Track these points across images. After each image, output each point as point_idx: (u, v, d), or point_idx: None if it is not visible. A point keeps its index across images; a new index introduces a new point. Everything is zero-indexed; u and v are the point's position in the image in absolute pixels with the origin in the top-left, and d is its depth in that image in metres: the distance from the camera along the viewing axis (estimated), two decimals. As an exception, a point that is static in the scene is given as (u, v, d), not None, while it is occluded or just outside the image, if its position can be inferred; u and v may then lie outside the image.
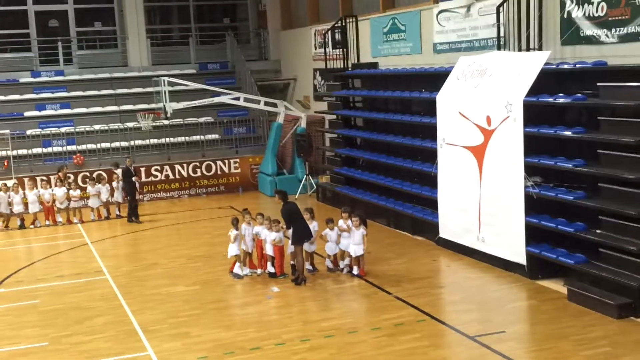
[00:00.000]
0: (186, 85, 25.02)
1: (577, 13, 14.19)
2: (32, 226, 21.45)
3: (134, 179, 21.54)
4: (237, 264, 15.28)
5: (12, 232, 21.12)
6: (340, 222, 15.02)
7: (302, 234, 14.50)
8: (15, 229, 21.31)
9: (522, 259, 14.02)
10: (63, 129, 25.61)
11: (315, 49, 26.64)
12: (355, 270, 14.79)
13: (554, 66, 13.98)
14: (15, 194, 21.46)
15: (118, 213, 22.33)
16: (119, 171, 22.27)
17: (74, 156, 24.69)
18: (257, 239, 15.09)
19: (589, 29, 13.87)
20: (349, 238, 14.76)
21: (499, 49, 15.85)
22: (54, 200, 21.67)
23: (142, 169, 24.18)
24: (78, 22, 29.48)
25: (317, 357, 10.86)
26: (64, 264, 17.27)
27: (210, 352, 11.27)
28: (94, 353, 11.51)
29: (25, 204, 21.53)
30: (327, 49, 23.86)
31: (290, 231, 14.61)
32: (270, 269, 14.99)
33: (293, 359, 10.84)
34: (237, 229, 15.14)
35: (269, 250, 14.90)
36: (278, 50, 30.71)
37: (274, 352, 11.12)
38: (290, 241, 14.65)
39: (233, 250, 15.22)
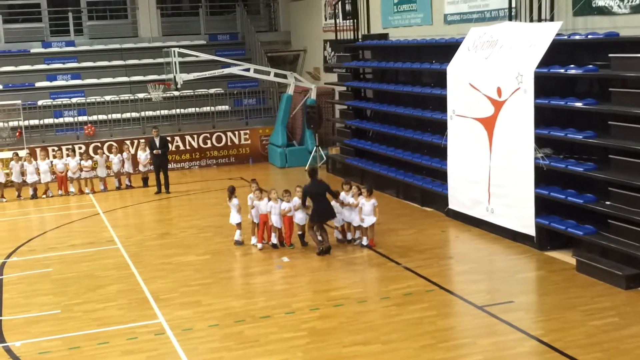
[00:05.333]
0: (196, 56, 25.03)
1: (589, -17, 14.09)
2: (44, 196, 21.62)
3: (155, 152, 21.30)
4: (238, 231, 15.47)
5: (24, 202, 21.30)
6: (342, 195, 15.07)
7: (322, 214, 14.53)
8: (28, 198, 21.49)
9: (531, 230, 14.07)
10: (74, 100, 25.73)
11: (326, 20, 26.53)
12: (364, 241, 14.87)
13: (566, 37, 13.92)
14: (28, 163, 21.59)
15: (128, 183, 22.45)
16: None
17: (85, 127, 24.79)
18: (261, 213, 15.08)
19: (601, 0, 13.77)
20: (352, 210, 14.86)
21: (510, 19, 15.76)
22: (67, 170, 21.82)
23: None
24: (88, -7, 29.52)
25: (327, 326, 10.97)
26: (76, 233, 17.43)
27: (221, 320, 11.40)
28: (106, 320, 11.65)
29: (39, 174, 21.67)
30: (338, 20, 23.77)
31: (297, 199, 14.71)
32: (274, 240, 15.09)
33: (303, 328, 10.94)
34: (231, 199, 15.37)
35: (275, 221, 14.97)
36: (288, 22, 30.61)
37: (283, 321, 11.23)
38: (309, 218, 14.72)
39: (235, 218, 15.40)
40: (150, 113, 25.82)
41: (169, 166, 22.54)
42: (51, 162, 22.05)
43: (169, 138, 23.47)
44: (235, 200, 15.39)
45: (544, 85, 13.83)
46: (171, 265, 14.42)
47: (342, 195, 15.07)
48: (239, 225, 15.49)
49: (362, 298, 12.07)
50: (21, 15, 28.98)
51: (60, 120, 25.25)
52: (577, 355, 9.56)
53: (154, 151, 21.28)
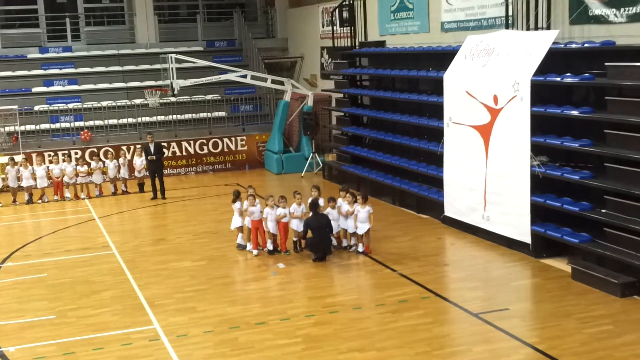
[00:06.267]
0: (193, 62, 25.03)
1: (586, -8, 14.13)
2: (40, 201, 21.58)
3: (149, 157, 21.26)
4: (240, 234, 15.44)
5: (20, 207, 21.26)
6: (339, 201, 15.06)
7: (319, 246, 14.52)
8: (23, 203, 21.45)
9: (527, 238, 14.07)
10: (71, 105, 25.72)
11: (323, 27, 26.57)
12: (360, 248, 14.86)
13: (562, 45, 13.95)
14: (24, 169, 21.57)
15: (124, 189, 22.42)
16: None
17: (82, 132, 24.77)
18: (252, 220, 15.04)
19: (597, 9, 13.81)
20: (348, 217, 14.85)
21: (507, 27, 15.79)
22: (63, 176, 21.79)
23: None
24: (86, -2, 29.53)
25: (322, 333, 10.95)
26: (72, 239, 17.39)
27: (216, 326, 11.37)
28: (100, 326, 11.62)
29: (35, 179, 21.65)
30: (335, 27, 23.78)
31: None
32: (270, 246, 15.07)
33: (298, 334, 10.92)
34: (235, 202, 15.33)
35: (271, 227, 14.93)
36: (285, 28, 30.64)
37: (279, 327, 11.22)
38: (307, 246, 14.71)
39: (236, 222, 15.38)
40: (146, 119, 25.82)
41: (165, 172, 22.51)
42: (47, 167, 22.01)
43: (164, 144, 23.46)
44: (237, 204, 15.36)
45: (540, 93, 13.86)
46: (166, 271, 14.39)
47: (339, 201, 15.07)
48: (238, 229, 15.47)
49: (358, 305, 12.05)
50: (18, 21, 28.97)
51: (57, 125, 25.22)
52: (572, 363, 9.57)
53: (149, 157, 21.28)
